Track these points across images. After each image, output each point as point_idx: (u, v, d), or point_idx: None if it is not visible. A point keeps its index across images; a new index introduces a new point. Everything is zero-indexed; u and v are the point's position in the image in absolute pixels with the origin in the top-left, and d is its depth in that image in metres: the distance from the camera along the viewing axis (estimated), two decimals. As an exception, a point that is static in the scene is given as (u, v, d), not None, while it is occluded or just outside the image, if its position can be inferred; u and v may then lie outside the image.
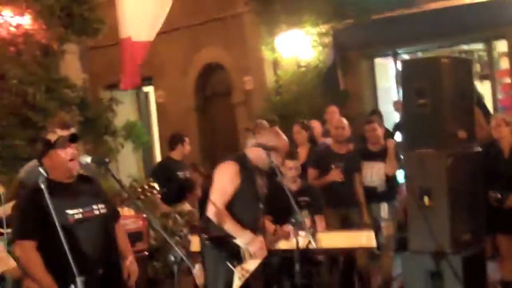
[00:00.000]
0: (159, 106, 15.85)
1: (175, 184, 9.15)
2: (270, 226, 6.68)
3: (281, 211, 6.47)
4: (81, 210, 5.10)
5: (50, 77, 9.99)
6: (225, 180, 5.96)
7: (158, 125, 15.82)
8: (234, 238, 5.91)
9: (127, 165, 12.14)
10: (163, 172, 9.37)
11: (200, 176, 9.63)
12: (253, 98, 13.89)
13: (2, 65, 9.50)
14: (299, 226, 6.00)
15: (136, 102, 16.48)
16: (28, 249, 4.94)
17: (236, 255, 5.89)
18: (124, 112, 12.08)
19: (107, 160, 5.25)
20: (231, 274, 5.83)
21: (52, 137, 5.05)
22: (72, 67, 10.81)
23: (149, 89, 16.20)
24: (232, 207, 5.95)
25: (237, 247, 5.90)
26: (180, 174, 9.65)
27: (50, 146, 5.03)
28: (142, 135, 13.91)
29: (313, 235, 6.02)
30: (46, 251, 4.82)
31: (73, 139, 5.13)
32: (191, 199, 9.10)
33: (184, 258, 4.86)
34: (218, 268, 5.92)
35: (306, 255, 6.36)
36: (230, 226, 5.89)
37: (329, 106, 11.08)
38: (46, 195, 4.43)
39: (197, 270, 6.82)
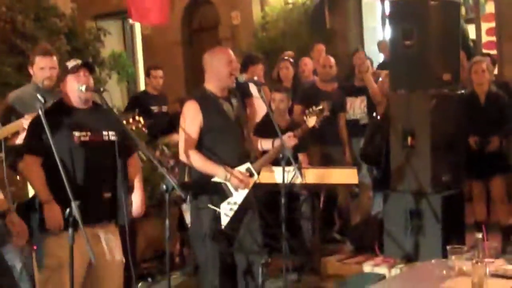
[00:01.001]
0: (144, 38, 15.83)
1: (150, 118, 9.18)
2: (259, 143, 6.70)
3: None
4: (88, 133, 5.28)
5: (39, 5, 9.95)
6: (187, 120, 5.97)
7: (143, 57, 15.83)
8: (212, 176, 5.95)
9: (112, 97, 12.19)
10: (135, 106, 9.22)
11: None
12: (239, 34, 13.91)
13: (-9, -7, 9.48)
14: (286, 161, 6.10)
15: (121, 33, 16.44)
16: (32, 163, 5.18)
17: (218, 193, 5.95)
18: (110, 43, 12.05)
19: (101, 89, 5.38)
20: (214, 214, 5.89)
21: (70, 63, 5.23)
22: (60, -4, 10.79)
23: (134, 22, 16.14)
24: (205, 143, 5.96)
25: (217, 185, 5.95)
26: (154, 108, 9.72)
27: (66, 71, 5.21)
28: (127, 66, 13.92)
29: (300, 170, 6.14)
30: (51, 170, 4.94)
31: (88, 67, 5.34)
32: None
33: (176, 187, 5.00)
34: (200, 215, 5.97)
35: (290, 189, 6.51)
36: (203, 166, 5.92)
37: (316, 44, 11.15)
38: (43, 120, 4.57)
39: (186, 206, 7.02)
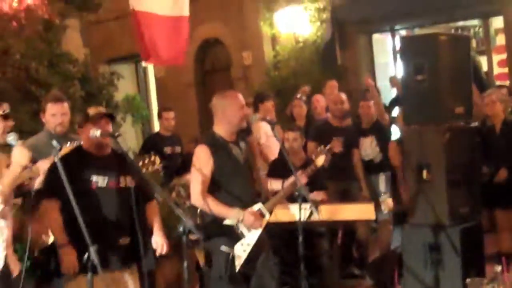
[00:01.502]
0: (158, 80, 15.94)
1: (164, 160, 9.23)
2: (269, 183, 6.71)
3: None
4: (106, 179, 5.38)
5: (52, 52, 10.07)
6: (199, 165, 6.01)
7: (157, 99, 15.92)
8: (224, 219, 5.99)
9: (128, 139, 12.25)
10: (149, 148, 9.42)
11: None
12: (252, 73, 13.98)
13: (5, 40, 9.57)
14: (302, 198, 6.12)
15: (134, 76, 16.56)
16: (50, 207, 5.27)
17: (231, 235, 5.98)
18: (123, 87, 12.14)
19: (116, 134, 5.45)
20: (228, 256, 5.92)
21: (91, 111, 5.30)
22: (73, 42, 10.90)
23: (147, 64, 16.23)
24: (216, 186, 6.01)
25: (230, 227, 5.99)
26: (168, 149, 9.76)
27: (86, 119, 5.28)
28: (141, 109, 13.96)
29: (316, 207, 6.14)
30: (69, 215, 4.98)
31: (109, 117, 5.49)
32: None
33: (192, 228, 5.01)
34: (215, 257, 6.04)
35: (308, 227, 6.52)
36: (215, 209, 5.96)
37: (329, 81, 11.19)
38: (59, 166, 4.59)
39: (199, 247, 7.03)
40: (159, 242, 5.70)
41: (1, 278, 4.65)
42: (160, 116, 10.32)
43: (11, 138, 4.69)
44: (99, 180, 5.36)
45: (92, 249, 4.42)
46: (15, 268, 4.83)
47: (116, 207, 5.41)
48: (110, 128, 5.43)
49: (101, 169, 5.40)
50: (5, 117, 4.72)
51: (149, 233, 5.67)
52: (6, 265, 4.72)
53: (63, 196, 4.91)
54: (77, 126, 5.51)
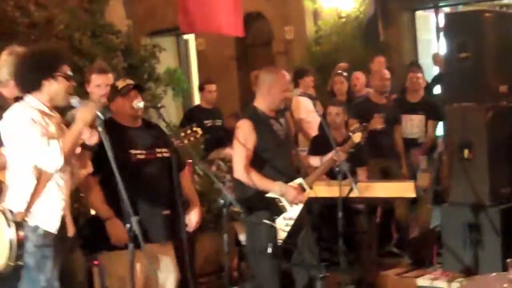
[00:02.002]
0: (199, 54, 15.94)
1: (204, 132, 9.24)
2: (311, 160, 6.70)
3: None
4: (144, 152, 5.39)
5: (96, 23, 10.07)
6: (242, 139, 5.98)
7: (198, 73, 15.94)
8: (267, 192, 5.97)
9: (167, 112, 12.29)
10: (190, 120, 9.35)
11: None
12: (293, 48, 13.94)
13: (49, 10, 9.60)
14: (342, 175, 6.11)
15: (176, 49, 16.58)
16: (90, 182, 5.23)
17: (273, 209, 5.97)
18: (164, 60, 12.15)
19: (159, 105, 5.47)
20: (272, 230, 5.90)
21: (120, 84, 5.31)
22: (116, 13, 10.88)
23: (189, 37, 16.27)
24: (259, 161, 5.99)
25: (272, 200, 5.98)
26: (208, 122, 9.77)
27: (116, 92, 5.29)
28: (182, 82, 14.03)
29: (355, 183, 6.13)
30: (108, 189, 5.03)
31: (138, 88, 5.46)
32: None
33: (233, 201, 5.02)
34: (257, 231, 5.98)
35: (347, 203, 6.51)
36: (258, 182, 5.93)
37: (377, 57, 11.07)
38: (103, 136, 4.60)
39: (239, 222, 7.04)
40: (196, 217, 5.69)
41: (58, 238, 4.67)
42: (202, 88, 10.32)
43: (75, 100, 4.71)
44: (137, 152, 5.36)
45: (134, 220, 4.43)
46: (71, 230, 4.85)
47: (156, 178, 5.41)
48: (140, 99, 5.42)
49: (137, 141, 5.41)
50: (68, 78, 4.72)
51: (184, 203, 5.65)
52: (63, 226, 4.74)
53: (104, 169, 4.94)
54: (107, 100, 5.46)
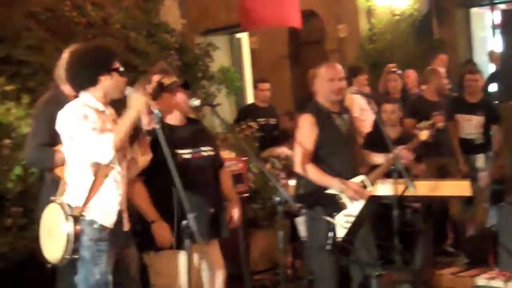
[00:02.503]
0: (252, 52, 15.96)
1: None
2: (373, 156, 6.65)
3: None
4: (190, 151, 5.37)
5: (150, 22, 10.17)
6: (303, 133, 5.99)
7: (251, 71, 15.95)
8: (327, 188, 5.95)
9: (221, 110, 12.34)
10: (243, 118, 9.47)
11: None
12: (346, 46, 13.87)
13: (105, 10, 9.70)
14: (398, 173, 6.07)
15: (229, 48, 16.62)
16: (135, 182, 5.18)
17: (333, 205, 5.94)
18: (218, 58, 12.20)
19: (214, 103, 5.47)
20: (331, 226, 5.85)
21: (166, 81, 5.30)
22: (171, 12, 10.96)
23: (242, 35, 16.30)
24: (319, 156, 5.97)
25: (332, 197, 5.95)
26: (261, 120, 9.77)
27: (162, 89, 5.28)
28: (235, 80, 14.04)
29: (411, 182, 6.08)
30: (155, 188, 5.06)
31: (184, 86, 5.45)
32: (288, 146, 9.22)
33: (288, 199, 5.00)
34: (316, 226, 5.96)
35: (402, 202, 6.47)
36: (317, 177, 5.92)
37: (440, 54, 10.97)
38: (159, 134, 4.61)
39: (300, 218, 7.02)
40: (237, 213, 5.69)
41: (113, 233, 4.72)
42: (255, 87, 10.38)
43: (128, 91, 4.74)
44: (184, 152, 5.35)
45: (191, 217, 4.46)
46: (126, 225, 4.89)
47: (201, 177, 5.38)
48: (186, 97, 5.42)
49: (183, 140, 5.38)
50: (121, 73, 4.77)
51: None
52: (119, 221, 4.78)
53: (150, 169, 4.97)
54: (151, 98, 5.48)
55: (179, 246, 5.06)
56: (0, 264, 6.11)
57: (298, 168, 5.99)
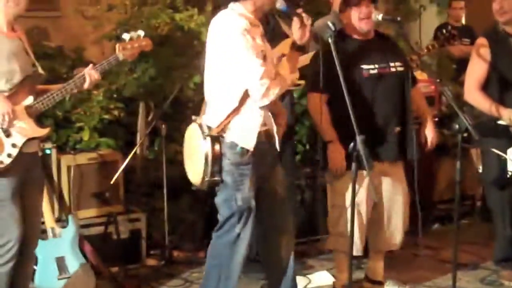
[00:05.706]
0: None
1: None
2: None
3: None
4: (376, 66, 5.11)
5: None
6: (475, 59, 5.64)
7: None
8: (498, 119, 5.55)
9: (429, 29, 11.73)
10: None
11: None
12: None
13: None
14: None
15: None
16: (317, 101, 5.03)
17: (504, 136, 5.54)
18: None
19: (399, 18, 5.16)
20: (502, 160, 5.50)
21: None
22: None
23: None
24: (492, 85, 5.62)
25: (502, 128, 5.54)
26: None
27: (347, 3, 5.10)
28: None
29: None
30: (338, 106, 4.74)
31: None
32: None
33: (469, 127, 4.63)
34: (486, 159, 5.73)
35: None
36: (486, 107, 5.56)
37: None
38: (333, 49, 4.34)
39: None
40: (430, 136, 5.40)
41: (257, 155, 4.50)
42: (449, 5, 9.90)
43: (280, 3, 4.46)
44: (370, 67, 5.08)
45: (359, 139, 4.18)
46: (278, 144, 4.74)
47: (389, 94, 5.13)
48: (371, 9, 5.09)
49: (370, 55, 5.12)
50: None
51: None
52: (264, 141, 4.62)
53: (330, 88, 4.72)
54: (339, 11, 5.17)
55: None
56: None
57: (467, 95, 5.71)
